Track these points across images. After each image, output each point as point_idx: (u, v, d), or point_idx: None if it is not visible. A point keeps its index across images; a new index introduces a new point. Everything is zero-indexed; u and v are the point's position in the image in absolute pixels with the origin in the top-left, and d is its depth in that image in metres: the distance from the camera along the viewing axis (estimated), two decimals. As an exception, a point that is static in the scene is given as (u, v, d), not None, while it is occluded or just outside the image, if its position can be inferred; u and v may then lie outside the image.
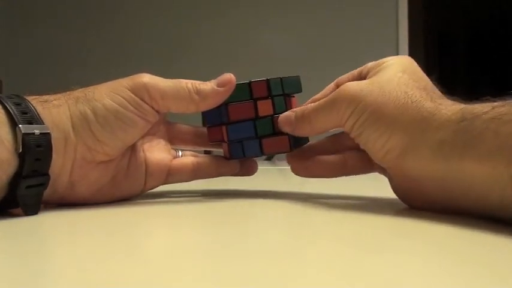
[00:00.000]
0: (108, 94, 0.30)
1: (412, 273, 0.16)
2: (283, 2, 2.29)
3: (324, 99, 0.31)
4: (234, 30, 2.32)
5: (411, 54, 2.24)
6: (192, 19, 2.37)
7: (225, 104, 0.33)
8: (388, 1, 2.27)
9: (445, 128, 0.25)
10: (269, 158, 1.00)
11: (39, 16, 2.51)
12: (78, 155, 0.29)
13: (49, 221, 0.26)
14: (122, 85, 0.30)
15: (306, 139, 0.36)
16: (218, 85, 0.32)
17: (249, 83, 0.33)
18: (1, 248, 0.20)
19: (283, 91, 0.34)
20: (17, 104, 0.27)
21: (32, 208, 0.27)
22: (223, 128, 0.34)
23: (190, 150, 0.37)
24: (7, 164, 0.26)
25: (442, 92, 0.30)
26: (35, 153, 0.26)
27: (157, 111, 0.31)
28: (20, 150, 0.26)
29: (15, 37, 2.52)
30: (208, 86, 0.32)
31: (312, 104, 0.31)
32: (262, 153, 0.34)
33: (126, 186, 0.32)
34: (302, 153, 0.34)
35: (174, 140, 0.36)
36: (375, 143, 0.28)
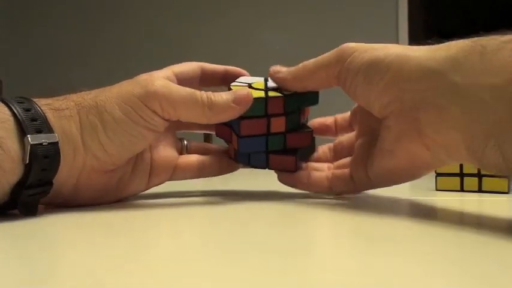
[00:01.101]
0: (118, 105, 0.29)
1: (411, 273, 0.16)
2: (283, 2, 2.29)
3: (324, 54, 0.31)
4: (234, 30, 2.32)
5: (411, 54, 2.23)
6: (192, 19, 2.37)
7: (238, 118, 0.31)
8: (388, 1, 2.27)
9: (458, 44, 0.25)
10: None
11: (39, 16, 2.51)
12: (87, 165, 0.28)
13: (51, 222, 0.26)
14: (133, 94, 0.29)
15: (313, 150, 0.35)
16: (234, 101, 0.31)
17: (266, 99, 0.31)
18: (3, 249, 0.20)
19: (299, 107, 0.33)
20: (27, 110, 0.26)
21: (29, 211, 0.26)
22: (234, 137, 0.33)
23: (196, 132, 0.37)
24: (11, 173, 0.25)
25: None
26: (41, 164, 0.26)
27: (167, 120, 0.30)
28: (27, 162, 0.25)
29: (16, 37, 2.52)
30: (223, 99, 0.30)
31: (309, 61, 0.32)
32: (267, 167, 0.34)
33: (130, 187, 0.32)
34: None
35: (180, 125, 0.35)
36: (371, 80, 0.28)
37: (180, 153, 0.35)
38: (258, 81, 0.34)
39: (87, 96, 0.29)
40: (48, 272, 0.16)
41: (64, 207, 0.29)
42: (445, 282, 0.14)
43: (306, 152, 0.35)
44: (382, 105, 0.28)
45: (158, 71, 0.32)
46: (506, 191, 0.37)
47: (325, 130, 0.37)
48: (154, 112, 0.29)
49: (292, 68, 0.32)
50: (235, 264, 0.17)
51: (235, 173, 0.36)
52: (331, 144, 0.37)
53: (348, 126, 0.36)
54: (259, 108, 0.31)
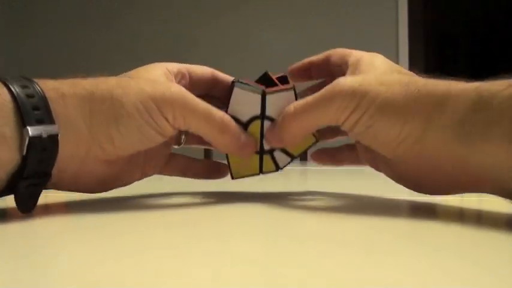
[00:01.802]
0: (134, 103, 0.28)
1: (411, 274, 0.16)
2: (283, 2, 2.29)
3: (316, 96, 0.29)
4: (234, 30, 2.32)
5: (411, 54, 2.24)
6: (192, 19, 2.37)
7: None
8: (388, 1, 2.27)
9: (463, 108, 0.24)
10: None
11: (39, 16, 2.51)
12: (90, 154, 0.28)
13: (49, 223, 0.26)
14: (149, 96, 0.28)
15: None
16: (242, 143, 0.31)
17: (260, 173, 0.34)
18: (3, 249, 0.20)
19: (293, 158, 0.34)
20: (30, 96, 0.25)
21: (27, 204, 0.26)
22: None
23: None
24: (8, 163, 0.25)
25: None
26: (39, 156, 0.25)
27: (176, 129, 0.30)
28: (25, 153, 0.24)
29: (16, 37, 2.52)
30: (235, 130, 0.31)
31: (300, 103, 0.30)
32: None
33: (126, 177, 0.32)
34: None
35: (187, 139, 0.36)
36: (387, 134, 0.27)
37: (179, 141, 0.35)
38: (254, 106, 0.32)
39: (102, 86, 0.28)
40: (44, 272, 0.16)
41: (63, 207, 0.29)
42: (445, 282, 0.14)
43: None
44: (396, 157, 0.28)
45: (172, 63, 0.33)
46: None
47: (302, 75, 0.36)
48: (166, 119, 0.29)
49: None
50: (236, 264, 0.17)
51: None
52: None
53: (325, 70, 0.35)
54: (254, 167, 0.33)
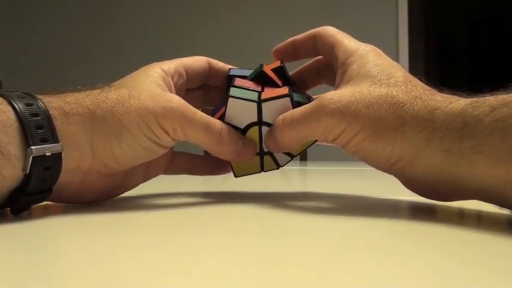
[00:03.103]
0: (136, 120, 0.28)
1: (411, 274, 0.16)
2: (283, 2, 2.29)
3: (304, 112, 0.29)
4: (234, 29, 2.33)
5: (411, 54, 2.24)
6: (193, 19, 2.38)
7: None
8: (388, 1, 2.27)
9: (450, 135, 0.25)
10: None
11: (39, 16, 2.51)
12: (93, 169, 0.28)
13: (50, 223, 0.26)
14: (150, 111, 0.28)
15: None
16: (239, 152, 0.31)
17: (261, 171, 0.33)
18: (1, 248, 0.20)
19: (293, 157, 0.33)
20: (34, 115, 0.25)
21: (20, 212, 0.26)
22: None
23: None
24: (11, 180, 0.25)
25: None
26: (42, 174, 0.25)
27: (176, 140, 0.30)
28: (27, 172, 0.25)
29: (16, 37, 2.52)
30: (231, 143, 0.31)
31: (288, 117, 0.30)
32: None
33: (129, 184, 0.33)
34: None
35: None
36: (378, 157, 0.28)
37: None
38: (250, 112, 0.32)
39: (103, 105, 0.28)
40: (44, 272, 0.16)
41: (64, 208, 0.29)
42: (445, 282, 0.14)
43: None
44: (389, 173, 0.29)
45: (168, 61, 0.33)
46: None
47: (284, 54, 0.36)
48: (166, 132, 0.29)
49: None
50: (236, 264, 0.17)
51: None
52: None
53: (312, 49, 0.35)
54: (255, 167, 0.33)
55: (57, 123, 0.26)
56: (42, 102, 0.26)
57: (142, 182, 0.34)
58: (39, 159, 0.25)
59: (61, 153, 0.26)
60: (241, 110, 0.31)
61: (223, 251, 0.19)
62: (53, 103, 0.27)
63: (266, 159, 0.33)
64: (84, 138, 0.27)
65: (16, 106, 0.25)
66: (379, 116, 0.27)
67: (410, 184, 0.29)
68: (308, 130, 0.29)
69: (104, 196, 0.31)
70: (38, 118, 0.25)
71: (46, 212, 0.28)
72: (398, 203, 0.31)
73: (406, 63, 2.16)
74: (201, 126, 0.30)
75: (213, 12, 2.35)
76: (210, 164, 0.36)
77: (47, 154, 0.25)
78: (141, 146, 0.29)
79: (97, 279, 0.15)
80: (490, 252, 0.19)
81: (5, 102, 0.25)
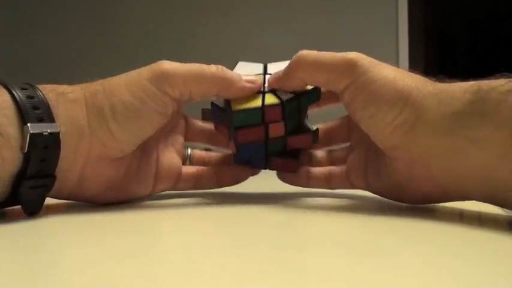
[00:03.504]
0: (128, 89, 0.28)
1: (411, 274, 0.16)
2: (283, 2, 2.29)
3: (327, 55, 0.29)
4: (234, 30, 2.33)
5: (411, 54, 2.24)
6: (193, 19, 2.38)
7: (234, 128, 0.31)
8: (388, 1, 2.27)
9: (462, 98, 0.25)
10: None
11: (39, 16, 2.51)
12: (93, 151, 0.28)
13: (50, 223, 0.26)
14: (141, 77, 0.29)
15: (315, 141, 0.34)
16: (247, 81, 0.31)
17: (262, 108, 0.30)
18: (2, 248, 0.20)
19: (299, 109, 0.31)
20: (30, 98, 0.26)
21: (32, 207, 0.26)
22: (233, 145, 0.33)
23: (201, 145, 0.37)
24: (11, 162, 0.25)
25: None
26: (41, 154, 0.25)
27: (177, 101, 0.30)
28: (26, 150, 0.25)
29: (16, 37, 2.52)
30: (234, 74, 0.31)
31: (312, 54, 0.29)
32: (266, 168, 0.34)
33: (135, 187, 0.32)
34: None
35: (190, 136, 0.35)
36: (382, 118, 0.27)
37: (183, 162, 0.35)
38: (257, 71, 0.33)
39: (94, 83, 0.29)
40: (46, 272, 0.16)
41: (64, 208, 0.29)
42: (445, 282, 0.14)
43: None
44: (388, 145, 0.28)
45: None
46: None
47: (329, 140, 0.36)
48: (165, 92, 0.29)
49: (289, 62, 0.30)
50: (237, 264, 0.17)
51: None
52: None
53: (343, 136, 0.35)
54: (256, 117, 0.30)
55: (53, 104, 0.27)
56: (38, 89, 0.27)
57: (150, 193, 0.33)
58: (36, 138, 0.25)
59: (59, 132, 0.26)
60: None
61: (223, 251, 0.19)
62: (48, 87, 0.28)
63: (268, 95, 0.31)
64: (80, 117, 0.28)
65: (12, 90, 0.26)
66: (391, 77, 0.27)
67: (399, 165, 0.28)
68: (325, 69, 0.28)
69: (108, 190, 0.30)
70: (34, 100, 0.26)
71: (46, 212, 0.28)
72: (399, 203, 0.31)
73: (406, 63, 2.15)
74: (196, 70, 0.30)
75: (213, 12, 2.35)
76: (218, 175, 0.35)
77: (45, 133, 0.25)
78: (135, 116, 0.28)
79: (97, 279, 0.15)
80: (490, 252, 0.19)
81: (0, 87, 0.26)
